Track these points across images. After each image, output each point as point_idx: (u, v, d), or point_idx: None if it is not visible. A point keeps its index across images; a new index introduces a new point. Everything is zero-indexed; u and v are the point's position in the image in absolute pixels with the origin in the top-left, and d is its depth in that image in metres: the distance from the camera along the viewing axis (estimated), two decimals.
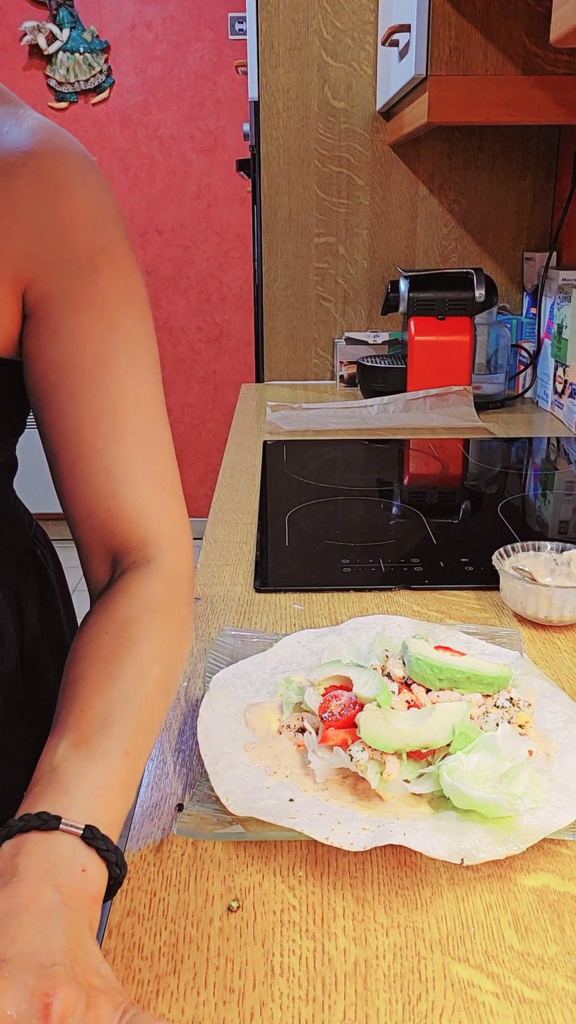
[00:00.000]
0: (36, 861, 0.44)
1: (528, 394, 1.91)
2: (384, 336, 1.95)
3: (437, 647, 0.68)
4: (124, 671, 0.55)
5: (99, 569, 0.64)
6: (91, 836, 0.46)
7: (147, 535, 0.63)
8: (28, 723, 0.78)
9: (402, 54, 1.51)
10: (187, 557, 0.65)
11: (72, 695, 0.54)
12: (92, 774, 0.49)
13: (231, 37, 3.27)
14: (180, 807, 0.60)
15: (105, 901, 0.47)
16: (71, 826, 0.46)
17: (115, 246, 0.64)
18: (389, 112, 1.85)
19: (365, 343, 1.95)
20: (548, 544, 0.92)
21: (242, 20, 3.21)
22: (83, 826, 0.46)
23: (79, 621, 0.67)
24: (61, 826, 0.45)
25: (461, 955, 0.49)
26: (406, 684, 0.64)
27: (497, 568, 0.88)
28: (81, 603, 0.65)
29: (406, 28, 1.44)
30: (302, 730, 0.64)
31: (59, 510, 0.65)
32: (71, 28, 3.24)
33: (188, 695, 0.74)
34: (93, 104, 3.35)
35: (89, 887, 0.45)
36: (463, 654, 0.67)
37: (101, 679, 0.54)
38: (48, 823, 0.45)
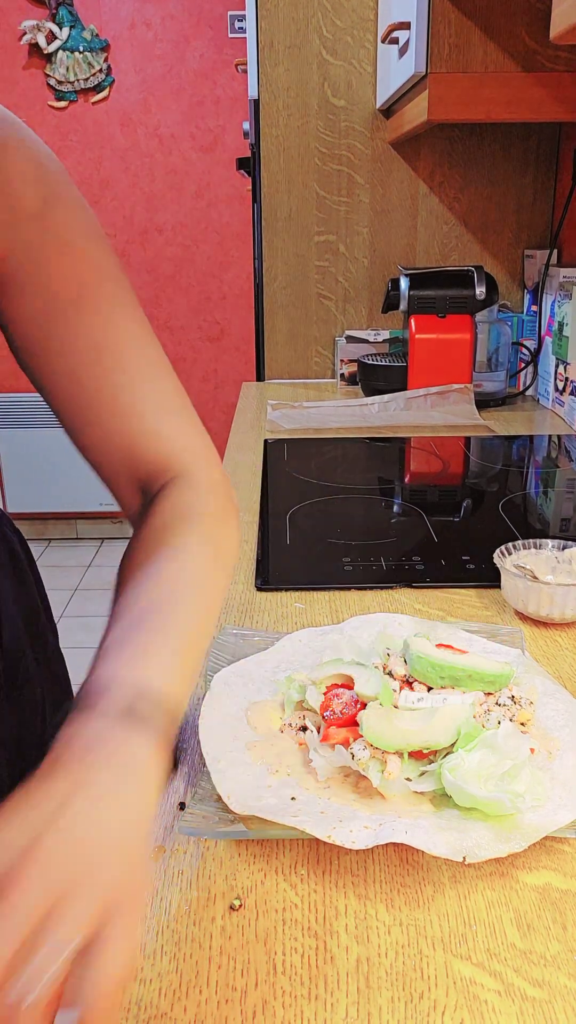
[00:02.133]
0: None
1: (529, 392, 1.91)
2: (385, 334, 1.95)
3: (438, 645, 0.68)
4: (161, 568, 0.55)
5: (132, 500, 0.64)
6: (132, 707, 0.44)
7: (169, 456, 0.63)
8: (6, 710, 0.77)
9: (402, 52, 1.51)
10: (212, 464, 0.65)
11: (119, 604, 0.53)
12: (138, 641, 0.48)
13: (231, 35, 3.27)
14: (182, 806, 0.60)
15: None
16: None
17: (61, 189, 0.63)
18: (389, 110, 1.85)
19: (366, 341, 1.95)
20: (549, 542, 0.92)
21: (242, 18, 3.21)
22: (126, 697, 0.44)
23: (56, 619, 0.66)
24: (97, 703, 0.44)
25: (463, 953, 0.49)
26: (407, 682, 0.64)
27: (498, 566, 0.88)
28: (57, 603, 0.65)
29: (406, 26, 1.44)
30: (304, 728, 0.64)
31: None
32: (71, 27, 3.23)
33: None
34: (93, 103, 3.35)
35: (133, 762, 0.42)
36: (464, 652, 0.67)
37: (141, 581, 0.54)
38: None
